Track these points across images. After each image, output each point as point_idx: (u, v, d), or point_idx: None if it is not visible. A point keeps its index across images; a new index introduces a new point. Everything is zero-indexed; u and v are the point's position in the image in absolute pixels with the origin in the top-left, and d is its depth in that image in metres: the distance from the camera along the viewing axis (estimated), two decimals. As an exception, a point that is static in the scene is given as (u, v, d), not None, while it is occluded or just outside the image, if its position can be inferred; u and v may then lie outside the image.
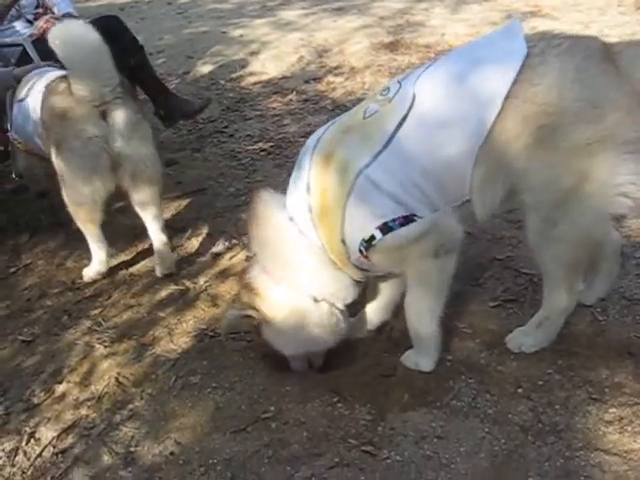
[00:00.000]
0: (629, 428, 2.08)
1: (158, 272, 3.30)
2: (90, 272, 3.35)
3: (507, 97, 2.04)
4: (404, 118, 2.15)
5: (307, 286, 2.36)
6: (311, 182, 2.26)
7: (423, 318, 2.37)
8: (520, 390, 2.27)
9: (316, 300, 2.37)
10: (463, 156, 2.12)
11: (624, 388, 2.21)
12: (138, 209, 3.26)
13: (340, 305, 2.42)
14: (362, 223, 2.20)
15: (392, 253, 2.25)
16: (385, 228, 2.18)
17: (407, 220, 2.17)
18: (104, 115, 2.99)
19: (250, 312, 2.42)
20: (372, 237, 2.19)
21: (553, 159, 2.05)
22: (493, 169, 2.13)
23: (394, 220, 2.17)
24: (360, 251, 2.23)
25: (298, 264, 2.34)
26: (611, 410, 2.15)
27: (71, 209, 3.20)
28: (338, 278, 2.36)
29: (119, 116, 3.01)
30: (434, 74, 2.21)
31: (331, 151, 2.24)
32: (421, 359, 2.42)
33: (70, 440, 2.40)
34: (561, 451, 2.04)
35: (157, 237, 3.30)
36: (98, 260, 3.33)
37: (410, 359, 2.44)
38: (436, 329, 2.37)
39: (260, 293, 2.40)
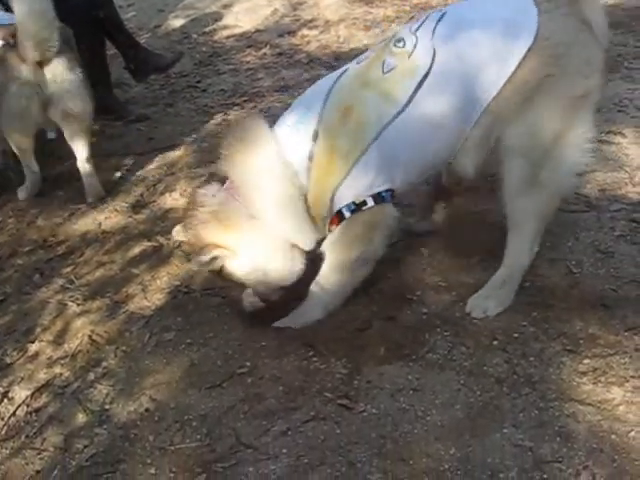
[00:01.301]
0: (603, 379, 2.09)
1: (88, 199, 3.57)
2: (23, 192, 3.69)
3: (526, 53, 2.13)
4: (425, 76, 2.17)
5: (285, 226, 2.33)
6: (321, 131, 2.23)
7: (323, 299, 2.46)
8: (495, 342, 2.28)
9: (288, 240, 2.36)
10: (469, 116, 2.21)
11: (598, 340, 2.23)
12: (68, 140, 3.56)
13: (303, 249, 2.43)
14: (360, 186, 2.23)
15: (359, 228, 2.30)
16: (378, 198, 2.23)
17: (392, 194, 2.26)
18: (41, 63, 3.30)
19: (216, 253, 2.33)
20: (364, 202, 2.22)
21: (550, 105, 2.17)
22: (492, 123, 2.22)
23: (387, 191, 2.24)
24: (340, 212, 2.24)
25: (283, 203, 2.30)
26: (585, 361, 2.16)
27: (7, 137, 3.54)
28: (310, 226, 2.35)
29: (55, 64, 3.33)
30: (451, 28, 2.22)
31: (349, 105, 2.23)
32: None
33: (44, 399, 2.38)
34: (535, 402, 2.05)
35: (83, 166, 3.59)
36: (31, 181, 3.68)
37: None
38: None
39: (233, 225, 2.32)
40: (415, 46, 2.21)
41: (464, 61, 2.17)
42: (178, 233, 2.50)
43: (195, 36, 5.94)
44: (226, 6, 6.50)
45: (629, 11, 4.71)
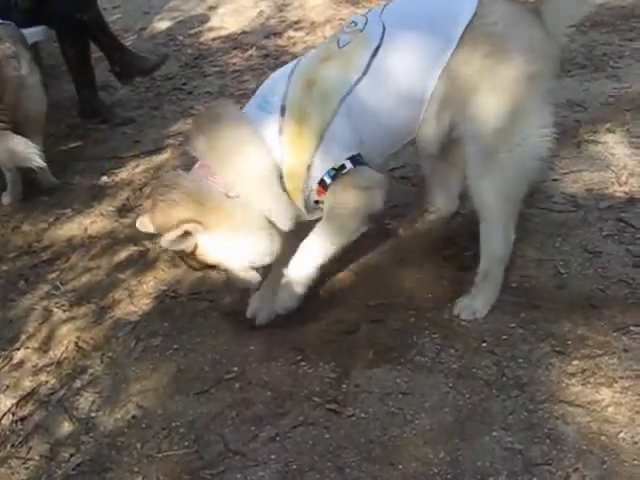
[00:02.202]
0: (592, 380, 2.09)
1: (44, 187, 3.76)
2: (7, 198, 3.72)
3: (465, 28, 2.20)
4: (377, 47, 2.24)
5: (262, 203, 2.29)
6: (287, 105, 2.25)
7: (314, 262, 2.34)
8: (484, 344, 2.27)
9: (266, 219, 2.31)
10: (425, 85, 2.25)
11: (587, 340, 2.22)
12: None
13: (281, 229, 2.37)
14: (336, 151, 2.23)
15: (346, 191, 2.26)
16: (355, 160, 2.24)
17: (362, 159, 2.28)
18: None
19: (188, 227, 2.21)
20: (342, 166, 2.22)
21: (495, 88, 2.20)
22: (445, 100, 2.26)
23: (360, 155, 2.26)
24: (322, 181, 2.23)
25: (259, 181, 2.27)
26: (574, 362, 2.15)
27: None
28: (288, 206, 2.32)
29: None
30: (398, 7, 2.36)
31: (312, 78, 2.27)
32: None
33: (30, 407, 2.36)
34: (525, 404, 2.04)
35: None
36: (13, 186, 3.71)
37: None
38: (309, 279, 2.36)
39: (208, 202, 2.25)
40: (365, 24, 2.31)
41: (411, 35, 2.26)
42: (142, 224, 2.38)
43: (181, 38, 5.92)
44: (212, 8, 6.48)
45: (613, 10, 4.71)
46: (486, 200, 2.31)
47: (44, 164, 3.58)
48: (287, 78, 2.31)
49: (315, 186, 2.25)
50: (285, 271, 2.36)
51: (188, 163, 3.65)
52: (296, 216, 2.37)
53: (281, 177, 2.27)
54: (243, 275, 2.40)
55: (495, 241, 2.36)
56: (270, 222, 2.32)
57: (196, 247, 2.28)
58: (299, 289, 2.35)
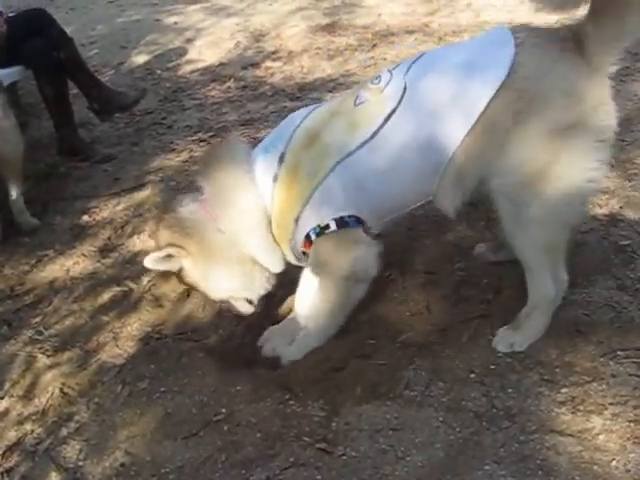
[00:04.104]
0: (581, 407, 2.08)
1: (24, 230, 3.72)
2: None
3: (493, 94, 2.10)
4: (393, 111, 2.20)
5: (245, 245, 2.38)
6: (287, 154, 2.28)
7: (318, 326, 2.46)
8: (472, 375, 2.26)
9: (251, 258, 2.40)
10: (442, 153, 2.18)
11: (574, 367, 2.22)
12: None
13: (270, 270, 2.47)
14: (323, 210, 2.24)
15: (328, 251, 2.30)
16: (341, 222, 2.24)
17: (359, 221, 2.27)
18: None
19: (172, 251, 2.37)
20: (327, 226, 2.23)
21: (526, 142, 2.11)
22: (468, 162, 2.19)
23: (350, 216, 2.25)
24: (307, 236, 2.26)
25: (246, 224, 2.35)
26: (563, 390, 2.15)
27: None
28: (274, 250, 2.39)
29: None
30: (425, 67, 2.25)
31: (316, 132, 2.28)
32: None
33: (15, 458, 2.31)
34: (515, 435, 2.03)
35: (14, 204, 3.72)
36: None
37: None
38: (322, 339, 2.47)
39: (195, 233, 2.37)
40: (388, 82, 2.26)
41: (433, 99, 2.17)
42: (151, 262, 2.44)
43: (159, 72, 5.92)
44: (189, 40, 6.50)
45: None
46: (525, 253, 2.27)
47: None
48: (297, 124, 2.33)
49: (301, 239, 2.28)
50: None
51: (169, 199, 3.69)
52: (286, 260, 2.43)
53: (271, 222, 2.32)
54: (237, 305, 2.56)
55: (543, 286, 2.29)
56: (255, 261, 2.40)
57: (181, 269, 2.43)
58: (306, 350, 2.47)
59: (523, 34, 2.15)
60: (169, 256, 2.39)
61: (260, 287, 2.50)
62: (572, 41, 2.10)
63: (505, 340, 2.35)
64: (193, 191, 2.49)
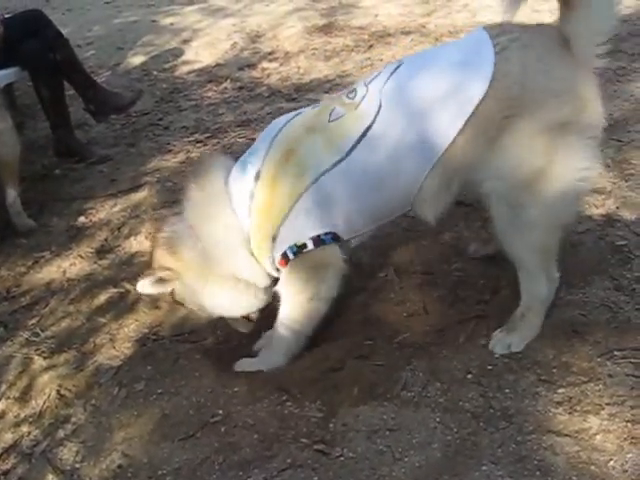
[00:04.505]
0: (578, 407, 2.08)
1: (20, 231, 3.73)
2: None
3: (474, 107, 2.09)
4: (368, 128, 2.18)
5: (228, 264, 2.37)
6: (263, 172, 2.26)
7: (285, 339, 2.44)
8: (469, 376, 2.26)
9: (235, 276, 2.39)
10: (420, 167, 2.18)
11: (571, 367, 2.22)
12: None
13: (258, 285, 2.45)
14: (300, 229, 2.24)
15: (299, 271, 2.31)
16: (318, 241, 2.24)
17: (335, 237, 2.27)
18: None
19: (163, 274, 2.37)
20: (304, 245, 2.23)
21: (519, 144, 2.11)
22: (450, 172, 2.19)
23: (327, 234, 2.25)
24: (284, 254, 2.26)
25: (225, 246, 2.35)
26: (560, 390, 2.14)
27: None
28: (256, 267, 2.37)
29: None
30: (402, 80, 2.21)
31: (292, 148, 2.25)
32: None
33: (12, 461, 2.31)
34: (513, 436, 2.03)
35: (10, 206, 3.72)
36: None
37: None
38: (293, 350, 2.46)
39: (179, 252, 2.37)
40: (363, 98, 2.24)
41: (411, 113, 2.16)
42: (143, 287, 2.44)
43: (155, 73, 5.92)
44: (185, 41, 6.50)
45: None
46: (520, 255, 2.28)
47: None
48: (271, 139, 2.30)
49: (279, 256, 2.28)
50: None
51: (165, 200, 3.70)
52: (268, 276, 2.42)
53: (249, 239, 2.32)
54: (235, 325, 2.59)
55: (536, 285, 2.31)
56: (239, 278, 2.40)
57: (173, 292, 2.43)
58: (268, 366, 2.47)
59: (505, 35, 2.12)
60: (161, 279, 2.38)
61: (250, 303, 2.48)
62: (557, 38, 2.09)
63: (502, 342, 2.34)
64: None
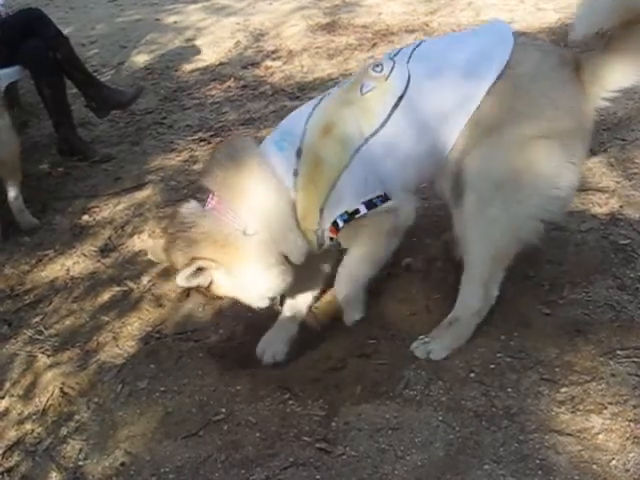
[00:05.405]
0: (581, 407, 2.08)
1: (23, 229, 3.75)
2: None
3: (495, 79, 2.17)
4: (400, 97, 2.24)
5: (279, 244, 2.31)
6: (304, 148, 2.26)
7: (356, 282, 2.39)
8: (472, 375, 2.26)
9: (281, 254, 2.33)
10: (447, 137, 2.24)
11: (574, 366, 2.22)
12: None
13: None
14: (349, 197, 2.24)
15: (360, 228, 2.29)
16: (370, 204, 2.24)
17: (385, 198, 2.27)
18: None
19: (202, 264, 2.24)
20: (356, 211, 2.24)
21: (506, 140, 2.16)
22: (462, 152, 2.24)
23: (378, 197, 2.25)
24: (335, 223, 2.25)
25: (279, 223, 2.29)
26: (562, 390, 2.15)
27: None
28: (303, 243, 2.34)
29: None
30: (426, 55, 2.30)
31: (330, 123, 2.28)
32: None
33: (16, 458, 2.32)
34: (515, 435, 2.03)
35: (13, 204, 3.74)
36: None
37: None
38: (363, 292, 2.41)
39: (226, 244, 2.26)
40: (392, 70, 2.29)
41: (436, 88, 2.23)
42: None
43: (159, 71, 5.92)
44: (189, 40, 6.50)
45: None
46: (472, 252, 2.29)
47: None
48: (306, 118, 2.32)
49: (328, 226, 2.28)
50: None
51: (169, 199, 3.70)
52: (310, 251, 2.39)
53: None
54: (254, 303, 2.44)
55: (473, 295, 2.34)
56: (285, 258, 2.34)
57: (211, 282, 2.30)
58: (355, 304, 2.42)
59: (526, 39, 2.25)
60: (200, 269, 2.25)
61: (290, 281, 2.39)
62: (572, 62, 2.17)
63: (423, 347, 2.37)
64: (194, 200, 2.41)
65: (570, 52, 2.22)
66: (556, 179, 2.18)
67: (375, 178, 2.27)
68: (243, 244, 2.27)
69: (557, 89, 2.16)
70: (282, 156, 2.29)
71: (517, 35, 2.24)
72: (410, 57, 2.30)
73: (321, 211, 2.26)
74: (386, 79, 2.28)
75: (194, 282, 2.27)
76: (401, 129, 2.25)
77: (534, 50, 2.21)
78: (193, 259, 2.24)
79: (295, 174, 2.26)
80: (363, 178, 2.26)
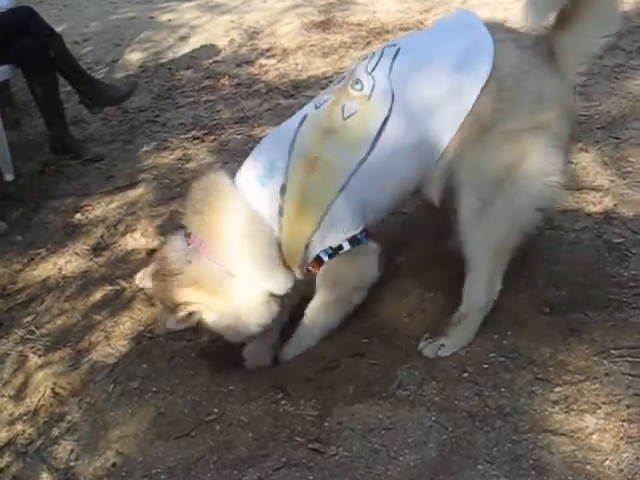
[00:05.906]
0: (574, 407, 2.07)
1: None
2: None
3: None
4: (386, 120, 2.18)
5: (266, 283, 2.33)
6: (289, 185, 2.23)
7: (315, 331, 2.47)
8: (465, 375, 2.25)
9: (265, 291, 2.35)
10: (435, 148, 2.22)
11: (568, 366, 2.20)
12: None
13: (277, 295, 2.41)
14: (334, 233, 2.24)
15: (338, 266, 2.31)
16: (354, 240, 2.25)
17: (368, 233, 2.28)
18: None
19: (193, 308, 2.30)
20: (340, 247, 2.24)
21: (497, 139, 2.16)
22: (453, 157, 2.22)
23: (362, 232, 2.27)
24: (318, 258, 2.27)
25: (264, 263, 2.30)
26: (556, 389, 2.13)
27: None
28: (287, 275, 2.35)
29: None
30: (408, 67, 2.23)
31: (315, 157, 2.23)
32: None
33: (6, 459, 2.30)
34: (508, 435, 2.02)
35: None
36: None
37: None
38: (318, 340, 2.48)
39: (213, 288, 2.30)
40: (373, 88, 2.21)
41: (423, 101, 2.19)
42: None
43: (153, 69, 5.90)
44: (183, 38, 6.48)
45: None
46: (476, 251, 2.28)
47: None
48: (288, 150, 2.26)
49: (309, 261, 2.29)
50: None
51: (162, 197, 3.69)
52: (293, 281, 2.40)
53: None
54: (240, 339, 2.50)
55: (478, 291, 2.34)
56: (270, 292, 2.36)
57: (200, 322, 2.35)
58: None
59: (502, 33, 2.21)
60: (190, 314, 2.30)
61: (276, 313, 2.43)
62: (546, 50, 2.17)
63: (431, 346, 2.36)
64: (176, 237, 2.41)
65: (541, 39, 2.19)
66: (548, 165, 2.18)
67: (360, 210, 2.26)
68: (229, 286, 2.31)
69: (540, 84, 2.16)
70: (265, 194, 2.26)
71: (486, 24, 2.22)
72: (391, 70, 2.22)
73: (306, 247, 2.27)
74: (368, 99, 2.21)
75: (184, 325, 2.32)
76: (389, 154, 2.21)
77: (513, 49, 2.17)
78: (183, 304, 2.29)
79: (280, 213, 2.24)
80: (350, 214, 2.25)
